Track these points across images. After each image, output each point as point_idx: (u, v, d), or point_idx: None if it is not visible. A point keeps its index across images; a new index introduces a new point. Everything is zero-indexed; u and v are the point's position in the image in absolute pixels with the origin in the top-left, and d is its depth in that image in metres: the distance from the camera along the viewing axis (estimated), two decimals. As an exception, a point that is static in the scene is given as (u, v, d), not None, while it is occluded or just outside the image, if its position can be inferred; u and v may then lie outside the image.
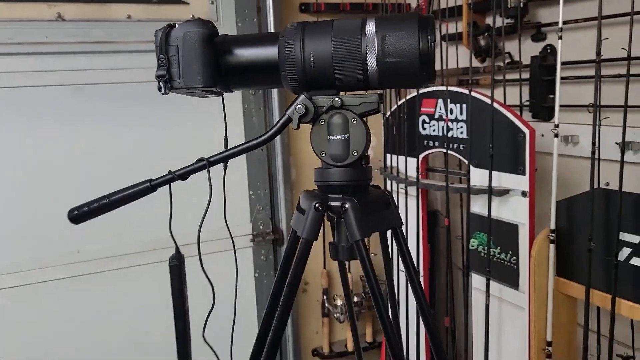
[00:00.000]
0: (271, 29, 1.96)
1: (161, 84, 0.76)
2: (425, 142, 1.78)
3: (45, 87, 1.73)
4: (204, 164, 0.78)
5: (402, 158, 1.82)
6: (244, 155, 2.02)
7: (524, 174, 1.47)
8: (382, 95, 0.79)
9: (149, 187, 0.80)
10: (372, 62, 0.76)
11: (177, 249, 0.83)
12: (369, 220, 0.78)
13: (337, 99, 0.78)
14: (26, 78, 1.70)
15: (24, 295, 1.75)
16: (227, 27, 1.94)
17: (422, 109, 1.77)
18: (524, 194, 1.48)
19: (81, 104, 1.77)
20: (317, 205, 0.78)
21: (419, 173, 1.76)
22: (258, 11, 1.98)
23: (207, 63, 0.75)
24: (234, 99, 1.99)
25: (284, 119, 0.78)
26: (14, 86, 1.69)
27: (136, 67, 1.81)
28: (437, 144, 1.75)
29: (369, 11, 2.16)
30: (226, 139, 0.87)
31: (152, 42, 1.89)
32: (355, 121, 0.78)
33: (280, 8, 2.00)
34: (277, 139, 2.05)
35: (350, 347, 2.34)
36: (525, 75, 1.73)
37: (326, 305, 2.29)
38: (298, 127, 0.77)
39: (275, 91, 1.99)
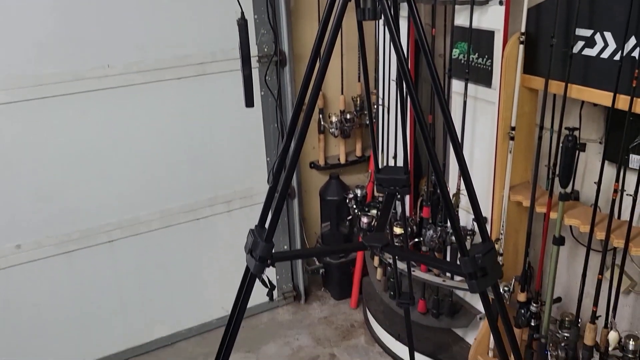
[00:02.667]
0: None
1: None
2: (416, -37, 1.99)
3: None
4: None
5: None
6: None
7: (501, -16, 1.73)
8: None
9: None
10: None
11: (242, 13, 1.09)
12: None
13: None
14: None
15: (62, 104, 1.99)
16: None
17: None
18: (501, 2, 1.75)
19: None
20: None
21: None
22: None
23: None
24: None
25: None
26: None
27: None
28: (426, -36, 1.97)
29: None
30: None
31: None
32: None
33: None
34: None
35: (343, 159, 2.71)
36: None
37: (322, 123, 2.61)
38: None
39: None
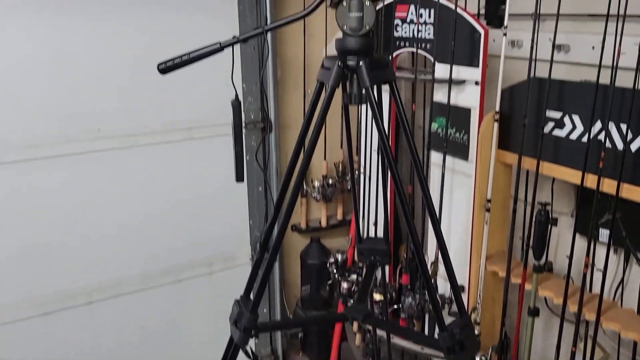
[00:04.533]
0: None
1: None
2: (398, 42, 2.12)
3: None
4: (261, 31, 1.10)
5: (377, 56, 2.16)
6: (238, 54, 2.32)
7: (477, 66, 1.85)
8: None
9: (219, 47, 1.11)
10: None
11: (237, 94, 1.16)
12: (375, 73, 1.13)
13: (356, -15, 1.10)
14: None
15: (51, 166, 2.03)
16: None
17: (397, 14, 2.10)
18: (477, 83, 1.86)
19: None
20: (339, 63, 1.13)
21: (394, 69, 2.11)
22: None
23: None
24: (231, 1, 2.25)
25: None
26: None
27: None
28: (407, 44, 2.09)
29: None
30: (266, 19, 1.18)
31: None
32: (368, 3, 1.11)
33: None
34: (269, 43, 2.32)
35: (324, 223, 2.76)
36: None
37: (304, 187, 2.67)
38: (331, 6, 1.10)
39: (267, -4, 2.25)
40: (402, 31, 2.09)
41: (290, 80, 2.54)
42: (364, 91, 1.15)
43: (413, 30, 2.04)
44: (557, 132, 1.70)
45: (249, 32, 1.12)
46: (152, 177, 2.24)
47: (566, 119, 1.66)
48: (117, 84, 2.08)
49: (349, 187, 2.67)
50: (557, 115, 1.69)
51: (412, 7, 2.03)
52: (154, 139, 2.19)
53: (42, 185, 2.03)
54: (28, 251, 2.05)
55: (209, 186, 2.35)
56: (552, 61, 1.66)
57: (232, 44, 1.11)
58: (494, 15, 2.06)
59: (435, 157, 2.07)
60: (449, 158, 2.01)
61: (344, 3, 1.11)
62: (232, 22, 2.27)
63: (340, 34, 1.16)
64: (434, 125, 2.04)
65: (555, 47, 1.70)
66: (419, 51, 2.03)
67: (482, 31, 1.81)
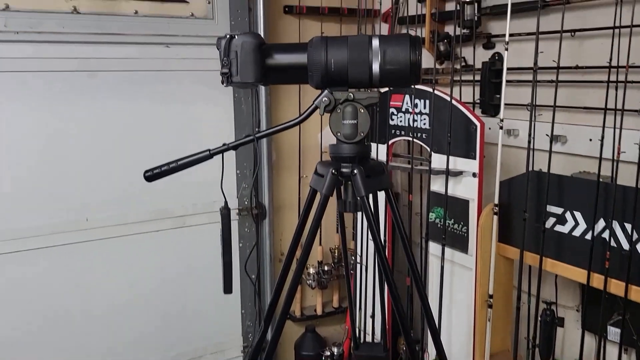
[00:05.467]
0: (260, 26, 2.23)
1: (224, 79, 1.03)
2: (393, 131, 2.10)
3: (63, 73, 1.94)
4: (252, 139, 1.06)
5: (373, 145, 2.14)
6: (232, 137, 2.30)
7: (475, 158, 1.81)
8: (381, 92, 1.09)
9: (208, 154, 1.07)
10: (376, 67, 1.06)
11: (226, 202, 1.11)
12: (370, 181, 1.09)
13: (350, 93, 1.08)
14: (46, 64, 1.91)
15: (38, 258, 1.96)
16: (221, 24, 2.19)
17: (392, 103, 2.09)
18: (474, 175, 1.83)
19: (93, 88, 1.99)
20: (333, 170, 1.08)
21: (388, 157, 2.08)
22: (249, 11, 2.24)
23: (258, 64, 1.03)
24: (226, 88, 2.25)
25: (312, 107, 1.07)
26: (35, 70, 1.90)
27: (142, 57, 2.05)
28: (402, 132, 2.07)
29: (344, 15, 2.46)
30: (258, 121, 1.15)
31: (156, 35, 2.13)
32: (362, 110, 1.08)
33: (268, 9, 2.26)
34: (263, 127, 2.31)
35: (320, 311, 2.65)
36: (477, 78, 2.07)
37: (299, 274, 2.58)
38: (323, 114, 1.06)
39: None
40: (398, 120, 2.08)
41: (285, 164, 2.51)
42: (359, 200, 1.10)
43: (409, 119, 2.03)
44: (559, 228, 1.64)
45: (239, 140, 1.08)
46: (140, 267, 2.16)
47: (567, 215, 1.61)
48: (106, 173, 2.04)
49: (344, 274, 2.58)
50: (558, 210, 1.64)
51: (407, 97, 2.02)
52: (144, 228, 2.13)
53: (25, 278, 1.95)
54: (8, 344, 1.94)
55: (199, 274, 2.27)
56: (550, 156, 1.63)
57: (222, 152, 1.07)
58: (489, 104, 2.06)
59: (434, 248, 2.00)
60: (447, 250, 1.94)
61: (338, 110, 1.08)
62: (228, 109, 2.26)
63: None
64: (432, 216, 1.99)
65: (554, 139, 1.68)
66: (415, 140, 2.01)
67: (477, 124, 1.79)
